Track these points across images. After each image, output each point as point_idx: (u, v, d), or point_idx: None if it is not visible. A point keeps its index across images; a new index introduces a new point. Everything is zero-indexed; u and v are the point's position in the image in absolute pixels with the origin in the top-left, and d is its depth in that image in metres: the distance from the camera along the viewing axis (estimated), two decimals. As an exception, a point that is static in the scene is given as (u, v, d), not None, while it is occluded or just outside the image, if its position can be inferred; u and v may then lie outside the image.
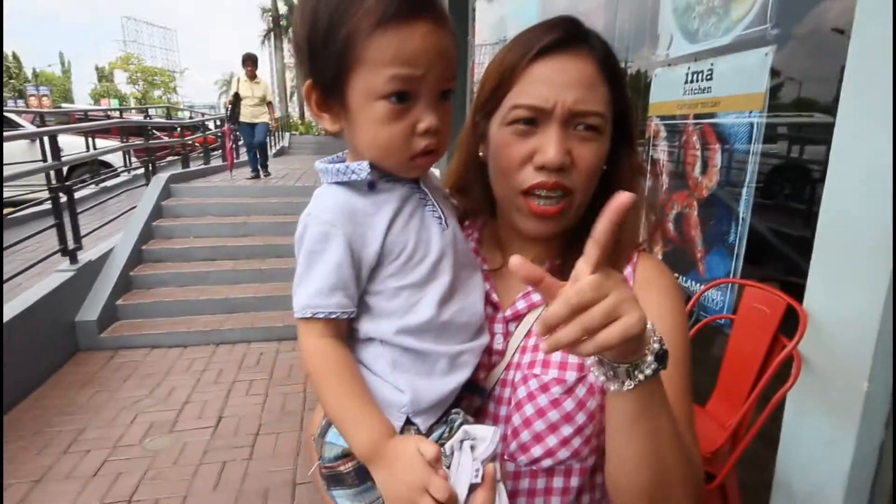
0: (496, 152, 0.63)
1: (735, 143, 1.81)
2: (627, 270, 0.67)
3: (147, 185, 5.52)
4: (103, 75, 56.52)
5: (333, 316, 0.55)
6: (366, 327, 0.58)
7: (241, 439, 2.61)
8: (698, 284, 1.99)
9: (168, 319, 4.01)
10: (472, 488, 0.51)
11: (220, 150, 8.72)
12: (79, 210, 4.05)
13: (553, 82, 0.58)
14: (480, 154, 0.69)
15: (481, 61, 5.54)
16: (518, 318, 0.67)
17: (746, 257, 1.79)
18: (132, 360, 3.53)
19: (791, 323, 1.50)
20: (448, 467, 0.53)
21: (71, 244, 3.80)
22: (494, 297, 0.68)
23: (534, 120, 0.59)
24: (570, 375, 0.61)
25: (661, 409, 0.50)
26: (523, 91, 0.59)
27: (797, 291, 1.54)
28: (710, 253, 1.94)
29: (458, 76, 0.58)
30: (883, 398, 1.34)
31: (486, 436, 0.54)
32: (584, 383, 0.62)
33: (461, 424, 0.56)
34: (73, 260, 3.78)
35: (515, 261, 0.43)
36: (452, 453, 0.54)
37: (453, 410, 0.59)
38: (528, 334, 0.65)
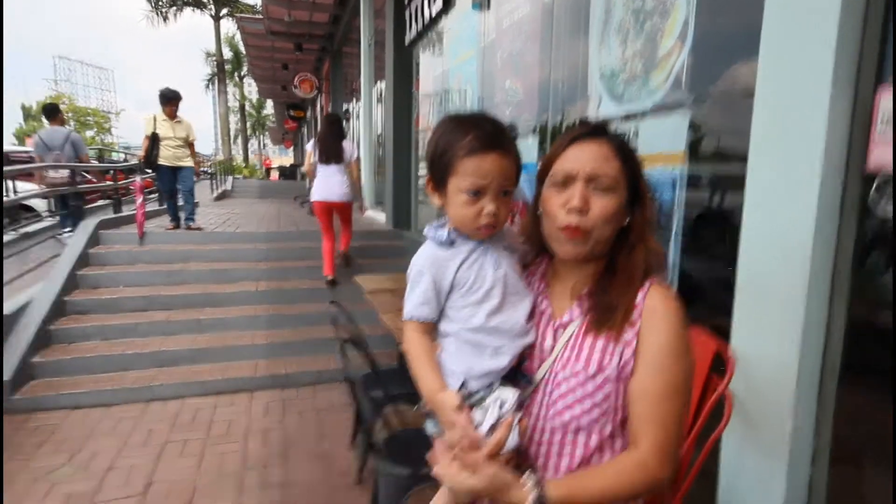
0: (544, 203, 0.94)
1: (662, 195, 1.96)
2: (638, 298, 0.91)
3: (73, 231, 5.20)
4: (30, 115, 53.61)
5: (422, 319, 0.94)
6: (445, 326, 0.96)
7: (171, 508, 2.41)
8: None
9: (91, 377, 3.70)
10: (493, 428, 0.83)
11: (157, 194, 8.12)
12: (-7, 259, 3.74)
13: (578, 159, 0.90)
14: (539, 212, 0.98)
15: (425, 112, 5.73)
16: (564, 326, 0.95)
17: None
18: (48, 424, 3.21)
19: (721, 363, 1.59)
20: (484, 411, 0.86)
21: (-18, 297, 3.48)
22: (550, 310, 0.98)
23: (566, 182, 0.90)
24: (593, 367, 0.89)
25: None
26: (562, 164, 0.92)
27: (724, 332, 1.64)
28: (645, 298, 2.05)
29: (516, 180, 0.94)
30: (807, 435, 1.43)
31: (509, 397, 0.87)
32: (602, 373, 0.89)
33: (497, 388, 0.89)
34: (-16, 314, 3.46)
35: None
36: (489, 406, 0.86)
37: (496, 381, 0.91)
38: (568, 338, 0.94)
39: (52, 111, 6.73)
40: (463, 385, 0.90)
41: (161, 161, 5.69)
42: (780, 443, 1.43)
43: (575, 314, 0.95)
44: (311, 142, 4.93)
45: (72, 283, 4.44)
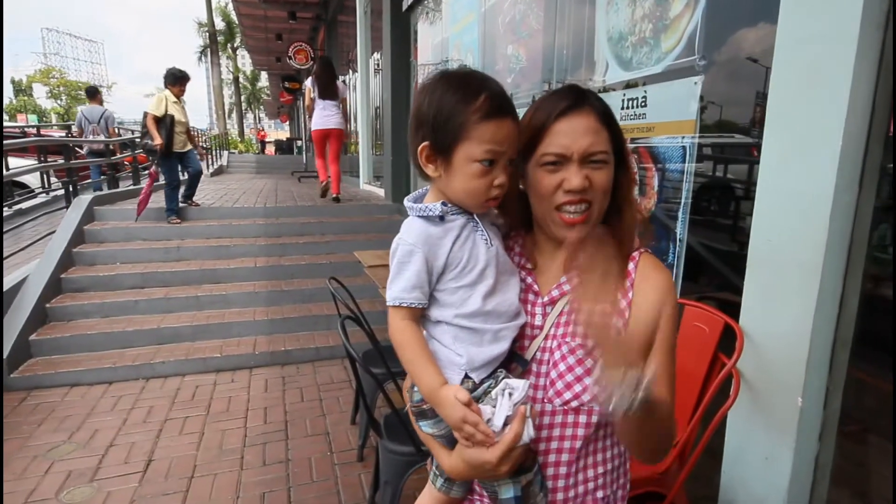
0: (536, 184, 0.87)
1: (670, 166, 1.89)
2: (630, 266, 0.89)
3: (67, 207, 5.13)
4: (20, 89, 52.68)
5: (413, 305, 0.82)
6: (435, 313, 0.85)
7: (172, 484, 2.41)
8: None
9: (91, 354, 3.69)
10: (509, 422, 0.76)
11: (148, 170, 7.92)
12: (-14, 237, 3.67)
13: (569, 135, 0.83)
14: (521, 187, 0.92)
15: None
16: (553, 302, 0.91)
17: (685, 276, 1.85)
18: (48, 402, 3.21)
19: (730, 340, 1.55)
20: (494, 406, 0.77)
21: (-24, 275, 3.43)
22: (536, 287, 0.92)
23: (559, 161, 0.84)
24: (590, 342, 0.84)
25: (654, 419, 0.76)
26: (550, 143, 0.84)
27: (733, 307, 1.60)
28: (651, 272, 2.00)
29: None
30: (816, 412, 1.39)
31: (519, 386, 0.79)
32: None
33: (503, 378, 0.81)
34: (-21, 292, 3.42)
35: None
36: (497, 398, 0.78)
37: (499, 370, 0.84)
38: (560, 313, 0.89)
39: (93, 93, 8.16)
40: (466, 377, 0.82)
41: (175, 148, 5.21)
42: (789, 420, 1.40)
43: (564, 289, 0.90)
44: (310, 79, 6.03)
45: (68, 260, 4.39)
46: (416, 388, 0.85)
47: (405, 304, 0.82)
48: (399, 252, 0.83)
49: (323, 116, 5.95)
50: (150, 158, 5.64)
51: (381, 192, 7.18)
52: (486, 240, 0.85)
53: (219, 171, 12.34)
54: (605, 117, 0.86)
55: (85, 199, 5.09)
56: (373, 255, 3.62)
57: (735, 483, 1.58)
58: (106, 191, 6.03)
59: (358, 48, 8.22)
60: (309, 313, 4.31)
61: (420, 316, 0.85)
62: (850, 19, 1.19)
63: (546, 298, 0.91)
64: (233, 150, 23.78)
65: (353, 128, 9.75)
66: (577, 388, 0.85)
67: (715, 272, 1.82)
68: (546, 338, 0.89)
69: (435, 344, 0.85)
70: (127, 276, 4.41)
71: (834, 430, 1.41)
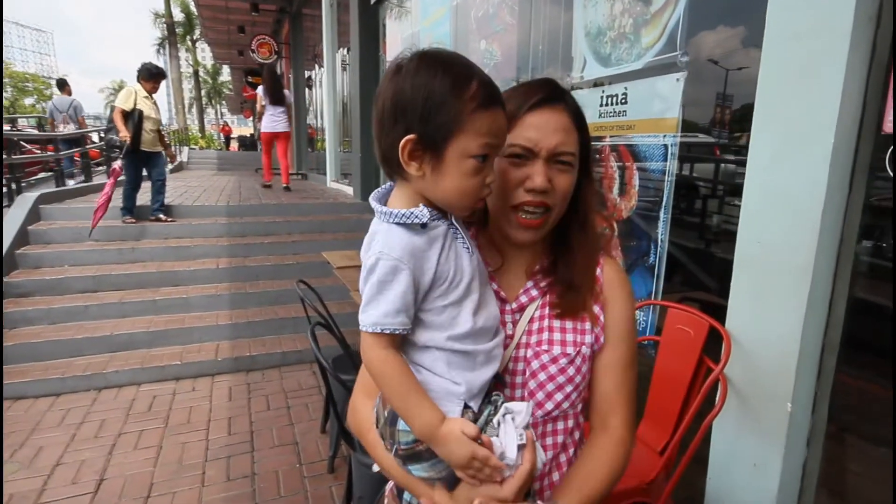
0: (496, 176, 0.77)
1: (651, 164, 1.84)
2: (598, 272, 0.87)
3: (10, 206, 4.78)
4: (-39, 79, 49.54)
5: (397, 332, 0.69)
6: (423, 338, 0.72)
7: (127, 505, 2.24)
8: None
9: (36, 364, 3.42)
10: (519, 448, 0.69)
11: (105, 167, 7.51)
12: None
13: (540, 129, 0.78)
14: None
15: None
16: (522, 308, 0.86)
17: (667, 277, 1.81)
18: (-13, 417, 2.96)
19: (714, 343, 1.51)
20: (497, 436, 0.70)
21: None
22: (502, 293, 0.86)
23: (524, 155, 0.79)
24: (571, 349, 0.83)
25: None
26: (518, 135, 0.78)
27: (717, 310, 1.56)
28: (632, 274, 1.95)
29: None
30: (805, 418, 1.37)
31: (522, 409, 0.72)
32: (580, 354, 0.83)
33: (503, 403, 0.73)
34: None
35: None
36: (499, 425, 0.71)
37: (494, 393, 0.76)
38: (531, 320, 0.85)
39: (62, 84, 8.87)
40: (465, 407, 0.72)
41: (142, 147, 4.89)
42: (778, 426, 1.37)
43: (532, 295, 0.86)
44: (261, 88, 6.93)
45: (10, 264, 4.08)
46: (400, 427, 0.72)
47: (388, 331, 0.69)
48: (380, 269, 0.69)
49: (273, 121, 6.87)
50: (114, 154, 5.24)
51: (349, 189, 7.02)
52: (468, 248, 0.75)
53: (179, 168, 11.86)
54: (578, 119, 0.82)
55: (30, 196, 4.76)
56: (342, 255, 3.49)
57: (722, 491, 1.54)
58: (53, 188, 5.66)
59: (324, 42, 8.01)
60: (275, 316, 4.14)
61: (400, 343, 0.73)
62: (842, 12, 1.15)
63: (515, 305, 0.86)
64: (193, 146, 22.95)
65: (319, 124, 9.51)
66: (559, 396, 0.82)
67: (697, 273, 1.79)
68: (518, 346, 0.84)
69: (425, 374, 0.73)
70: (76, 279, 4.13)
71: (822, 436, 1.38)
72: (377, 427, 0.78)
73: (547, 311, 0.85)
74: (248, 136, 28.74)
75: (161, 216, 5.12)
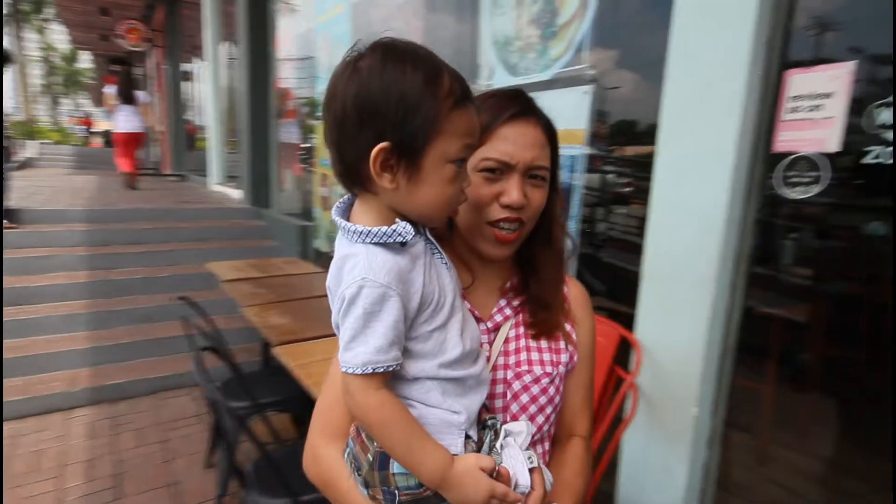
0: (469, 191, 0.72)
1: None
2: (566, 290, 0.88)
3: None
4: None
5: (391, 369, 0.61)
6: (413, 369, 0.65)
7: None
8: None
9: None
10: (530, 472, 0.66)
11: None
12: None
13: (516, 143, 0.75)
14: None
15: (287, 75, 5.14)
16: (497, 327, 0.82)
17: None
18: None
19: (621, 351, 1.55)
20: (502, 462, 0.65)
21: None
22: (476, 312, 0.82)
23: (499, 169, 0.75)
24: (551, 368, 0.81)
25: None
26: (493, 147, 0.74)
27: (626, 320, 1.60)
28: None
29: None
30: (707, 418, 1.43)
31: (522, 429, 0.69)
32: (559, 374, 0.82)
33: (501, 425, 0.70)
34: None
35: None
36: (503, 449, 0.67)
37: (488, 416, 0.72)
38: (506, 340, 0.82)
39: None
40: (467, 437, 0.67)
41: None
42: (684, 429, 1.42)
43: (506, 313, 0.83)
44: (114, 88, 6.87)
45: None
46: (395, 470, 0.64)
47: (381, 370, 0.60)
48: (365, 298, 0.60)
49: (127, 121, 6.93)
50: None
51: (236, 193, 6.48)
52: (446, 263, 0.71)
53: (25, 166, 10.19)
54: (550, 133, 0.80)
55: None
56: (230, 266, 3.16)
57: (632, 497, 1.57)
58: None
59: (207, 34, 7.37)
60: (147, 336, 3.64)
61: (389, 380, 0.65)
62: (740, 35, 1.22)
63: (490, 324, 0.82)
64: (45, 141, 20.00)
65: (200, 122, 8.74)
66: (540, 418, 0.80)
67: (607, 286, 1.84)
68: (495, 368, 0.81)
69: (420, 408, 0.65)
70: None
71: (720, 437, 1.46)
72: (357, 474, 0.69)
73: (522, 330, 0.83)
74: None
75: (8, 223, 4.23)
